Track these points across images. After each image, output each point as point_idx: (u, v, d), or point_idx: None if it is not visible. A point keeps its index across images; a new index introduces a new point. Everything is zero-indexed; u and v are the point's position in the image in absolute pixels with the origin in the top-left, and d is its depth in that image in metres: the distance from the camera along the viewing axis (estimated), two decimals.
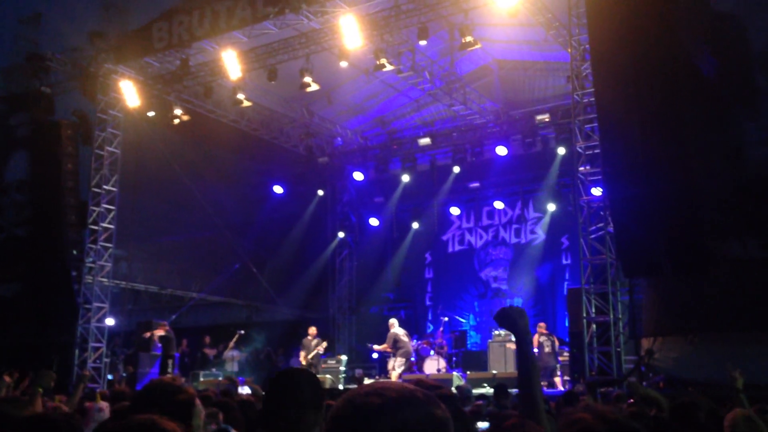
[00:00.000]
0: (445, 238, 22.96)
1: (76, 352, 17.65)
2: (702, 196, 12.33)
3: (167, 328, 17.56)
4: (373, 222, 23.86)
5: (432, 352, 17.57)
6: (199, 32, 16.56)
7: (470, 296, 22.07)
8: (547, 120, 19.47)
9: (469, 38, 15.22)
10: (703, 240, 12.22)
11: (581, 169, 14.57)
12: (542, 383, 14.76)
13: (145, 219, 19.62)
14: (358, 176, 23.04)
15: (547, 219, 20.94)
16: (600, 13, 13.12)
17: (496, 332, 17.96)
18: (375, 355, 19.60)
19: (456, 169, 21.34)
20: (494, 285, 21.80)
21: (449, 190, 22.16)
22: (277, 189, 22.96)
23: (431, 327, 21.69)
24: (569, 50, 14.96)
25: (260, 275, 22.07)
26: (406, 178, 22.14)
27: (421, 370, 17.15)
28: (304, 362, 17.10)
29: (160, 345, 17.26)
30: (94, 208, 18.36)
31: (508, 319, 2.88)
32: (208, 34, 16.60)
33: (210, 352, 21.02)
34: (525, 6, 15.10)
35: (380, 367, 19.38)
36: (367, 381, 14.67)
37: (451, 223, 22.89)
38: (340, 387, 17.05)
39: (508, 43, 18.84)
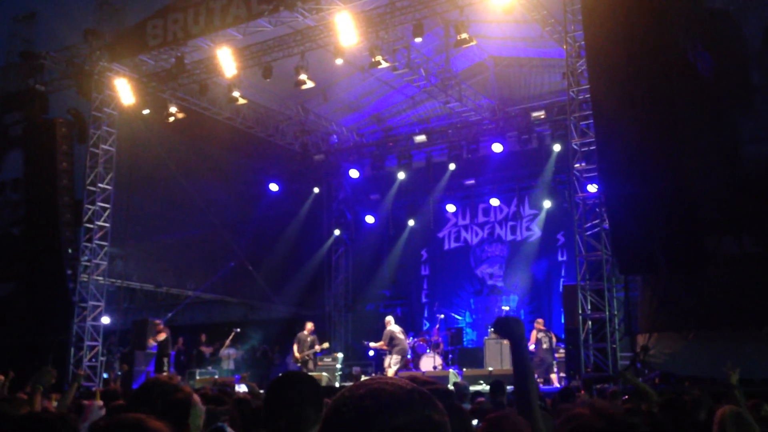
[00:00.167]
0: (441, 235, 22.97)
1: (72, 350, 17.62)
2: (697, 193, 12.36)
3: (163, 326, 17.54)
4: (369, 219, 23.86)
5: (428, 350, 17.59)
6: (194, 30, 16.52)
7: (466, 293, 22.09)
8: (542, 117, 19.47)
9: (464, 35, 15.22)
10: (699, 237, 12.25)
11: (577, 165, 14.58)
12: (539, 380, 14.82)
13: (141, 217, 19.58)
14: (353, 173, 23.03)
15: (542, 216, 20.97)
16: (595, 10, 13.13)
17: (492, 329, 17.98)
18: (371, 353, 19.60)
19: (452, 166, 21.33)
20: (490, 282, 21.82)
21: (445, 187, 22.17)
22: (273, 187, 22.93)
23: (427, 324, 21.71)
24: (565, 47, 14.97)
25: (256, 273, 22.05)
26: (401, 175, 22.14)
27: (417, 367, 17.18)
28: (298, 356, 17.02)
29: (155, 344, 17.26)
30: (90, 207, 18.32)
31: (505, 327, 2.95)
32: (203, 32, 16.56)
33: (206, 351, 21.01)
34: (520, 3, 15.11)
35: (377, 364, 19.38)
36: (363, 378, 14.67)
37: (446, 220, 22.90)
38: (337, 384, 17.05)
39: (503, 40, 18.85)
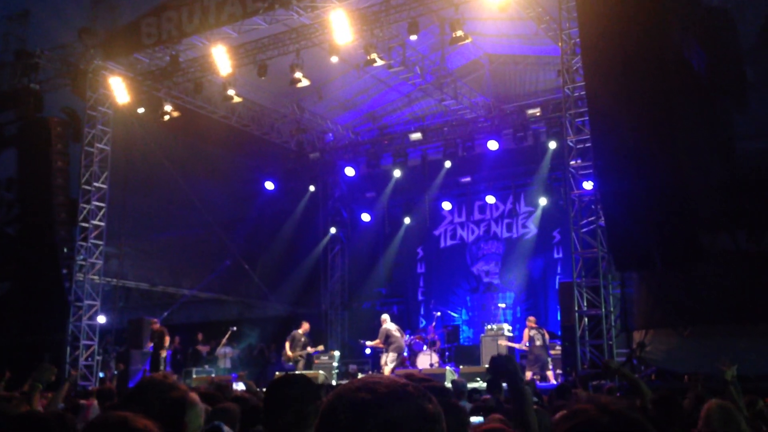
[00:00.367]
0: (436, 232, 22.98)
1: (68, 350, 17.59)
2: (692, 190, 12.38)
3: (159, 325, 17.51)
4: (365, 217, 23.86)
5: (425, 347, 17.60)
6: (189, 28, 16.48)
7: (462, 291, 22.10)
8: (538, 114, 19.48)
9: (459, 33, 15.21)
10: (694, 233, 12.27)
11: (572, 162, 14.60)
12: (535, 377, 14.84)
13: (136, 216, 19.54)
14: (349, 172, 23.02)
15: (538, 213, 20.98)
16: (590, 7, 13.13)
17: (489, 327, 18.01)
18: (368, 351, 19.62)
19: (447, 164, 21.34)
20: (486, 279, 21.84)
21: (441, 184, 22.17)
22: (268, 185, 22.90)
23: (424, 322, 21.72)
24: (560, 44, 14.98)
25: (252, 272, 22.03)
26: (397, 173, 22.13)
27: (414, 365, 17.18)
28: (290, 354, 16.99)
29: (170, 350, 17.26)
30: (85, 206, 18.29)
31: (498, 366, 3.19)
32: (198, 30, 16.52)
33: (203, 349, 20.99)
34: (515, 0, 15.10)
35: (373, 362, 19.39)
36: (360, 376, 14.68)
37: (442, 218, 22.91)
38: (333, 383, 17.04)
39: (498, 38, 18.85)
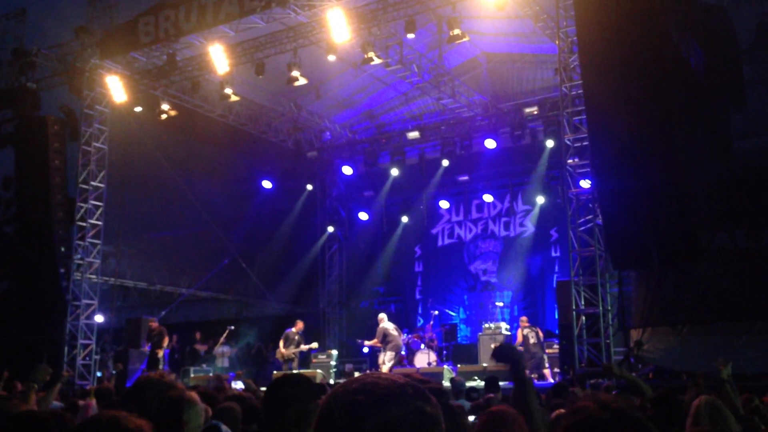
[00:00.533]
0: (434, 231, 22.98)
1: (66, 349, 17.58)
2: (690, 188, 12.39)
3: (157, 324, 17.50)
4: (363, 216, 23.85)
5: (422, 346, 17.60)
6: (186, 27, 16.47)
7: (460, 289, 22.11)
8: (535, 112, 19.49)
9: (457, 31, 15.21)
10: (691, 231, 12.28)
11: (570, 161, 14.60)
12: (532, 375, 14.85)
13: (134, 215, 19.52)
14: (347, 170, 23.01)
15: (536, 212, 20.99)
16: (587, 5, 13.13)
17: (486, 325, 18.02)
18: (366, 350, 19.62)
19: (445, 163, 21.35)
20: (484, 278, 21.85)
21: (438, 183, 22.17)
22: (266, 184, 22.89)
23: (421, 321, 21.71)
24: (557, 42, 14.98)
25: (250, 270, 22.02)
26: (395, 171, 22.13)
27: (411, 363, 17.18)
28: (284, 352, 16.98)
29: (167, 349, 17.24)
30: (82, 205, 18.27)
31: (505, 354, 3.15)
32: (195, 29, 16.51)
33: (201, 348, 20.99)
34: None
35: (371, 361, 19.40)
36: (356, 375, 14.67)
37: (440, 217, 22.91)
38: (331, 382, 17.05)
39: (496, 36, 18.84)
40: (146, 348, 17.42)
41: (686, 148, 12.43)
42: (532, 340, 16.11)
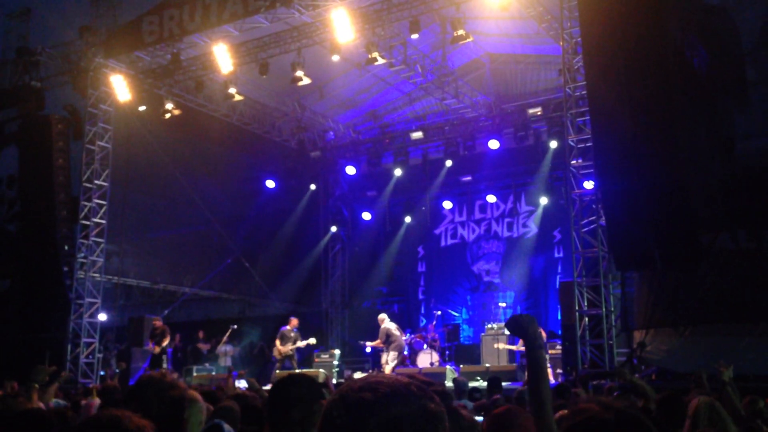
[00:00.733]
0: (437, 231, 22.99)
1: (69, 347, 17.61)
2: (693, 189, 12.38)
3: (162, 323, 17.51)
4: (366, 216, 23.86)
5: (425, 346, 17.61)
6: (190, 26, 16.49)
7: (463, 290, 22.10)
8: (539, 113, 19.49)
9: (460, 31, 15.21)
10: (694, 232, 12.28)
11: (573, 162, 14.59)
12: None
13: (137, 214, 19.56)
14: (350, 170, 23.02)
15: (539, 212, 20.98)
16: (592, 7, 13.13)
17: (489, 326, 18.02)
18: (368, 350, 19.63)
19: (448, 163, 21.35)
20: (486, 278, 21.84)
21: (441, 183, 22.17)
22: (269, 183, 22.93)
23: (424, 321, 21.73)
24: (561, 43, 14.97)
25: (253, 270, 22.04)
26: (398, 171, 22.14)
27: (414, 363, 17.19)
28: (281, 349, 16.99)
29: (159, 349, 17.24)
30: (86, 203, 18.30)
31: (518, 325, 3.00)
32: (199, 28, 16.53)
33: (203, 347, 21.02)
34: None
35: (373, 361, 19.41)
36: (358, 375, 14.67)
37: (443, 217, 22.91)
38: (333, 381, 17.05)
39: (500, 37, 18.84)
40: (149, 346, 17.45)
41: (689, 148, 12.42)
42: None
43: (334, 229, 24.37)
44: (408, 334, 18.06)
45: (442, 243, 22.92)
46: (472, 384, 12.25)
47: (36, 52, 19.59)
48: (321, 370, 16.97)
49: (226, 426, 4.02)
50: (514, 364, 16.19)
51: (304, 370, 16.05)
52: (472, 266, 22.18)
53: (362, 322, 22.46)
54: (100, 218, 18.42)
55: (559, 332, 16.50)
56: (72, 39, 19.15)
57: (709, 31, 13.43)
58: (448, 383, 12.71)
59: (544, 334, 16.32)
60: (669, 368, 13.01)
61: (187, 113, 19.43)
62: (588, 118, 13.95)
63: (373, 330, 17.43)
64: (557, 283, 19.05)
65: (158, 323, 17.44)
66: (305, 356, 19.47)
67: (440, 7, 15.81)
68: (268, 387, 11.15)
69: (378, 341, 16.71)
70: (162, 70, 18.26)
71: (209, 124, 20.37)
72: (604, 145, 12.94)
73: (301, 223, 23.53)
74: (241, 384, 12.36)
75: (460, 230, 22.67)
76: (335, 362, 18.16)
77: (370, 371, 18.92)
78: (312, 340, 17.51)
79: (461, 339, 20.11)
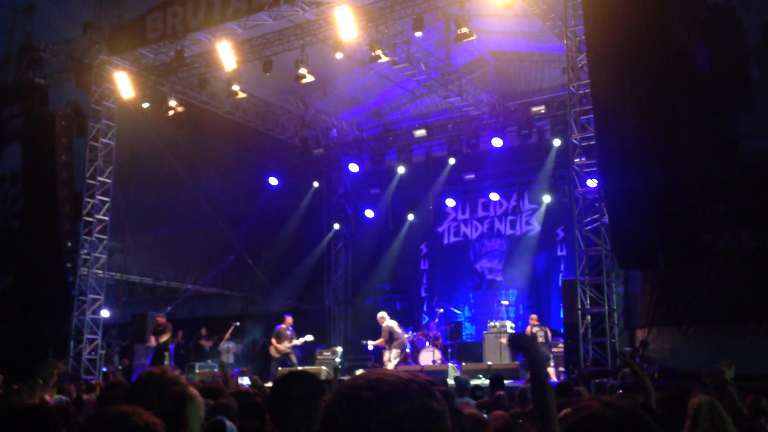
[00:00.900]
0: (440, 229, 22.97)
1: (71, 344, 17.64)
2: (696, 188, 12.36)
3: (165, 321, 17.53)
4: (369, 214, 23.86)
5: (427, 344, 17.62)
6: (194, 23, 16.50)
7: (466, 288, 22.09)
8: (542, 111, 19.45)
9: (464, 29, 15.18)
10: (697, 231, 12.26)
11: (577, 160, 14.57)
12: None
13: (140, 211, 19.59)
14: (353, 168, 23.02)
15: (542, 210, 20.96)
16: (596, 5, 13.11)
17: (491, 324, 18.02)
18: (370, 347, 19.63)
19: (451, 161, 21.34)
20: (489, 276, 21.83)
21: (445, 181, 22.15)
22: (273, 180, 22.94)
23: (426, 318, 21.73)
24: (565, 41, 14.94)
25: (256, 267, 22.07)
26: (401, 169, 22.13)
27: (416, 361, 17.21)
28: (280, 348, 17.00)
29: (156, 343, 17.28)
30: (89, 200, 18.31)
31: (519, 342, 3.19)
32: (203, 25, 16.53)
33: (206, 344, 21.05)
34: None
35: (376, 358, 19.42)
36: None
37: (446, 215, 22.89)
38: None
39: (503, 35, 18.82)
40: (150, 340, 17.51)
41: (692, 147, 12.41)
42: (540, 339, 16.12)
43: (337, 226, 24.36)
44: (410, 332, 18.06)
45: (445, 241, 22.91)
46: (474, 382, 12.25)
47: (40, 48, 19.60)
48: (323, 367, 16.99)
49: (229, 423, 4.03)
50: (517, 362, 16.19)
51: (307, 368, 16.08)
52: (474, 264, 22.17)
53: (365, 319, 22.45)
54: (103, 215, 18.44)
55: (562, 330, 16.49)
56: (76, 36, 19.17)
57: (713, 29, 13.41)
58: (450, 381, 12.73)
59: (549, 333, 16.35)
60: (671, 367, 13.02)
61: (191, 110, 19.44)
62: (591, 116, 13.93)
63: (376, 328, 17.43)
64: (560, 281, 19.03)
65: (161, 319, 17.49)
66: (307, 354, 19.49)
67: (444, 5, 15.78)
68: (268, 385, 11.16)
69: (381, 340, 16.72)
70: (165, 67, 18.28)
71: (212, 122, 20.38)
72: (607, 144, 12.93)
73: (304, 221, 23.55)
74: (244, 381, 12.38)
75: (463, 228, 22.65)
76: (338, 359, 18.16)
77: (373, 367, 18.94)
78: (309, 337, 17.51)
79: (464, 337, 20.10)
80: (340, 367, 17.89)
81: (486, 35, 18.50)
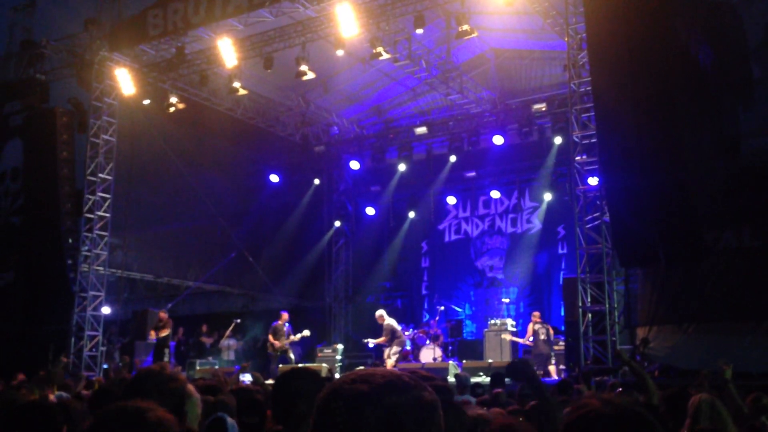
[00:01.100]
0: (441, 227, 22.97)
1: (72, 340, 17.66)
2: (696, 186, 12.36)
3: (167, 318, 17.54)
4: (370, 211, 23.85)
5: (428, 341, 17.63)
6: (195, 20, 16.49)
7: (466, 285, 22.09)
8: (543, 109, 19.44)
9: (465, 27, 15.18)
10: (698, 230, 12.26)
11: (577, 158, 14.57)
12: (538, 372, 14.85)
13: (141, 207, 19.59)
14: (354, 165, 23.01)
15: (543, 208, 20.95)
16: (597, 2, 13.09)
17: (492, 321, 18.03)
18: (371, 345, 19.65)
19: (452, 159, 21.33)
20: (490, 274, 21.82)
21: (445, 179, 22.14)
22: (273, 178, 22.94)
23: (427, 316, 21.73)
24: (566, 39, 14.93)
25: (256, 264, 22.07)
26: (402, 167, 22.12)
27: (417, 358, 17.22)
28: (278, 344, 17.02)
29: (155, 338, 17.28)
30: (90, 197, 18.32)
31: (518, 370, 3.21)
32: (204, 22, 16.52)
33: (207, 341, 21.07)
34: None
35: (376, 355, 19.43)
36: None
37: (447, 213, 22.89)
38: (337, 376, 17.08)
39: (504, 32, 18.80)
40: (150, 336, 17.53)
41: (693, 145, 12.40)
42: (542, 337, 16.13)
43: (337, 223, 24.36)
44: (411, 330, 18.07)
45: (446, 238, 22.90)
46: (474, 379, 12.26)
47: (41, 45, 19.62)
48: (324, 364, 17.00)
49: (230, 420, 4.03)
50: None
51: (308, 365, 16.08)
52: (475, 262, 22.17)
53: (365, 317, 22.44)
54: (104, 211, 18.45)
55: (562, 328, 16.51)
56: (77, 32, 19.17)
57: (715, 28, 13.40)
58: (451, 378, 12.73)
59: (551, 331, 16.36)
60: (672, 365, 13.02)
61: (192, 107, 19.44)
62: (593, 114, 13.93)
63: (376, 325, 17.44)
64: (561, 279, 19.04)
65: (163, 315, 17.52)
66: (308, 351, 19.51)
67: (445, 2, 15.77)
68: (269, 382, 11.16)
69: (383, 338, 16.74)
70: (166, 63, 18.28)
71: (213, 118, 20.38)
72: (608, 142, 12.92)
73: (304, 218, 23.55)
74: (245, 378, 12.39)
75: (463, 226, 22.65)
76: (338, 357, 18.18)
77: (374, 365, 18.96)
78: (306, 332, 17.52)
79: (464, 334, 20.11)
80: (339, 366, 17.97)
81: (487, 32, 18.48)
